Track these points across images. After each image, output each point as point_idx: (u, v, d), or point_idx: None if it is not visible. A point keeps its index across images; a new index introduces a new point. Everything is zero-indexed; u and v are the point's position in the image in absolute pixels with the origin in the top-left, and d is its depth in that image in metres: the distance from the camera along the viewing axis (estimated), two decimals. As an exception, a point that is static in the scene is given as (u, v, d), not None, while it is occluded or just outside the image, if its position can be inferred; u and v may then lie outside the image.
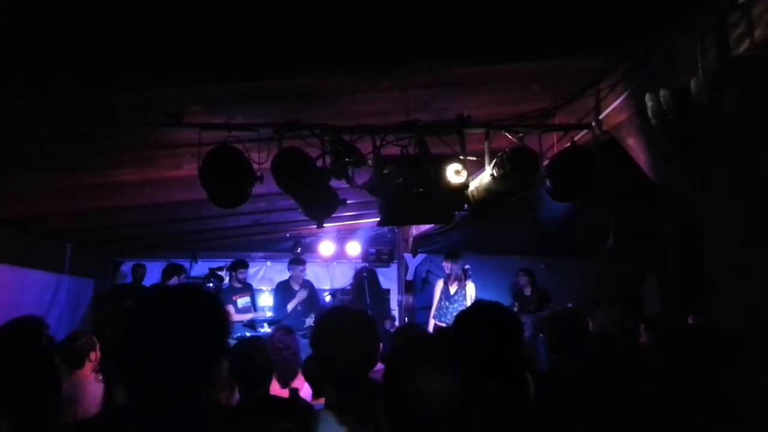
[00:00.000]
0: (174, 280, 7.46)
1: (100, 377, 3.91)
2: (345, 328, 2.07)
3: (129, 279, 8.36)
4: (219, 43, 2.98)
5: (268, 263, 9.56)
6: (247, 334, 7.36)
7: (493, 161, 4.21)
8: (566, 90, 4.34)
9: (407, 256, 9.51)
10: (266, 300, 8.95)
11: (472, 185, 4.50)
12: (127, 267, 8.62)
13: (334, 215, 4.83)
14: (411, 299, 9.59)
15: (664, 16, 3.21)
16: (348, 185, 4.20)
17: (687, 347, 2.09)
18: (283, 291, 8.06)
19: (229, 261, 8.79)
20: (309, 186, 4.00)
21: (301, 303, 7.87)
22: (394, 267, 9.86)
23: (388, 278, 9.87)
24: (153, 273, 8.13)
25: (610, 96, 4.05)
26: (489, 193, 4.41)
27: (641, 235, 8.38)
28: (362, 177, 4.25)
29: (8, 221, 5.54)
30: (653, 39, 3.42)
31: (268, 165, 3.85)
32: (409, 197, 4.15)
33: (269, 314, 8.36)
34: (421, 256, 9.48)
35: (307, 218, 4.95)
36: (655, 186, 4.03)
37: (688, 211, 3.74)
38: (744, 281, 3.11)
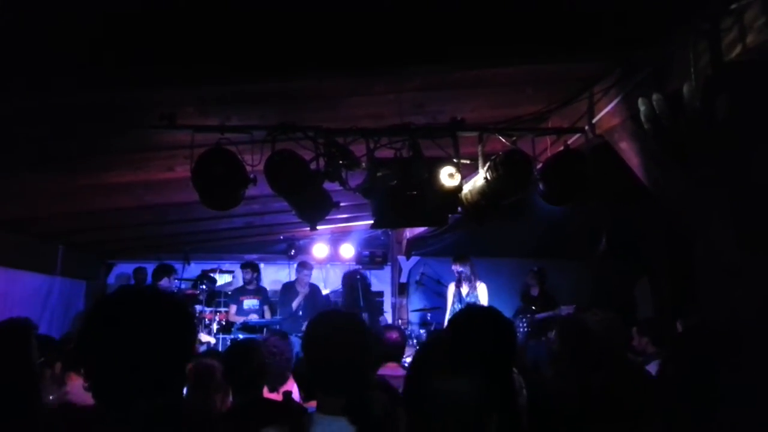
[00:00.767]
0: (164, 281, 7.42)
1: None
2: (337, 330, 2.07)
3: (131, 282, 8.31)
4: (215, 45, 2.97)
5: (262, 265, 9.54)
6: (240, 336, 7.34)
7: (487, 164, 4.22)
8: (560, 94, 4.36)
9: (401, 258, 9.51)
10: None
11: (466, 188, 4.50)
12: (125, 268, 8.59)
13: (327, 217, 4.83)
14: (404, 301, 9.59)
15: (657, 22, 3.22)
16: (341, 188, 4.19)
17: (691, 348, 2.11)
18: (288, 291, 8.12)
19: (222, 263, 8.78)
20: (302, 188, 4.00)
21: (304, 306, 7.87)
22: (387, 269, 9.86)
23: (382, 280, 9.87)
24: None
25: (604, 100, 4.06)
26: (482, 196, 4.42)
27: (634, 238, 8.41)
28: (356, 179, 4.25)
29: (0, 222, 5.51)
30: (646, 44, 3.43)
31: (261, 167, 3.84)
32: (402, 200, 4.15)
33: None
34: (414, 259, 9.47)
35: (300, 220, 4.95)
36: (648, 190, 4.04)
37: (680, 216, 3.75)
38: (734, 286, 3.12)
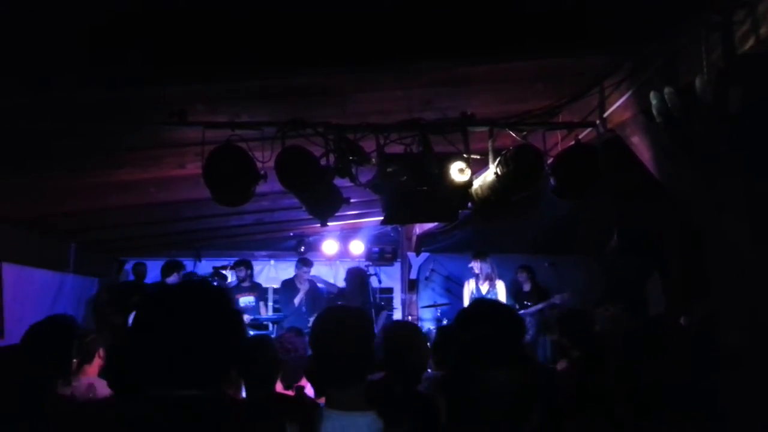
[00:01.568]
0: (173, 278, 7.44)
1: None
2: (342, 326, 2.08)
3: (131, 277, 8.36)
4: (224, 41, 2.98)
5: (272, 262, 9.57)
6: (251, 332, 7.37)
7: (497, 159, 4.21)
8: (570, 88, 4.33)
9: (411, 254, 9.50)
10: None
11: (476, 184, 4.49)
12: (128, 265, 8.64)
13: (337, 214, 4.84)
14: (414, 297, 9.59)
15: (669, 14, 3.20)
16: (351, 184, 4.20)
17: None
18: (289, 288, 8.15)
19: (233, 260, 8.80)
20: (312, 184, 4.00)
21: (305, 302, 7.89)
22: (397, 266, 9.86)
23: (392, 277, 9.87)
24: (156, 271, 8.12)
25: (615, 94, 4.04)
26: (493, 192, 4.41)
27: (645, 234, 8.36)
28: (366, 175, 4.25)
29: (13, 221, 5.56)
30: (658, 37, 3.41)
31: (271, 164, 3.85)
32: (412, 196, 4.15)
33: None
34: (424, 255, 9.46)
35: (310, 217, 4.95)
36: (660, 184, 4.02)
37: (692, 210, 3.73)
38: (747, 281, 3.10)
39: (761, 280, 3.02)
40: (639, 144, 3.99)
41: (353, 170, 4.09)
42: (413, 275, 9.49)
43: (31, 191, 4.96)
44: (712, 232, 3.39)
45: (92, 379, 3.82)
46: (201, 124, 3.81)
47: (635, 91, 3.85)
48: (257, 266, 9.04)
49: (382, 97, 4.12)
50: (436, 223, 7.86)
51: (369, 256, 9.44)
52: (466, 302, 7.78)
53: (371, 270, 9.04)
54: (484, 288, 7.61)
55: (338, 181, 4.24)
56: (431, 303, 9.14)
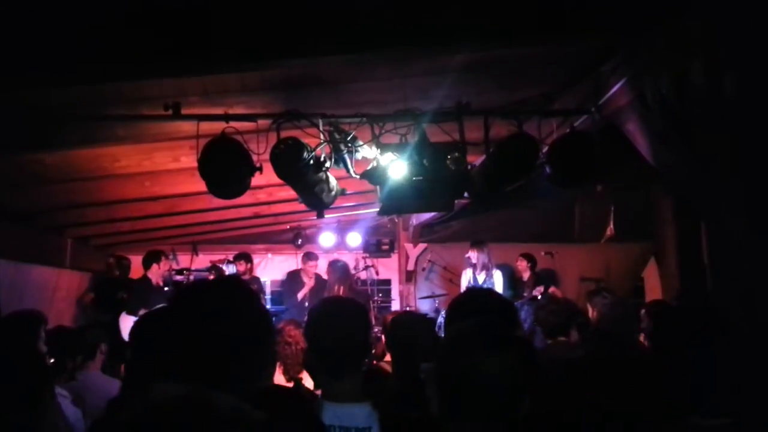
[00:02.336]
0: (154, 268, 7.39)
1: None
2: (337, 317, 2.08)
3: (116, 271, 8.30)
4: (215, 30, 2.96)
5: (269, 255, 9.56)
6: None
7: (493, 148, 4.20)
8: (565, 76, 4.32)
9: (408, 245, 9.50)
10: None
11: (472, 173, 4.48)
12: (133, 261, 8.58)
13: (334, 205, 4.83)
14: (412, 289, 9.60)
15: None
16: (347, 174, 4.19)
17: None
18: (294, 280, 8.12)
19: (230, 254, 8.79)
20: (308, 175, 3.99)
21: (309, 299, 7.87)
22: (394, 257, 9.86)
23: (389, 268, 9.88)
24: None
25: (610, 81, 4.03)
26: (489, 181, 4.40)
27: (641, 221, 8.38)
28: (361, 166, 4.24)
29: (7, 216, 5.54)
30: (652, 23, 3.39)
31: (267, 155, 3.84)
32: (408, 186, 4.14)
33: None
34: (422, 246, 9.47)
35: (307, 209, 4.95)
36: (655, 171, 4.02)
37: (687, 197, 3.73)
38: (743, 267, 3.10)
39: (758, 265, 3.02)
40: (634, 131, 3.98)
41: (349, 161, 4.08)
42: (411, 266, 9.50)
43: (23, 184, 4.94)
44: (708, 219, 3.40)
45: (95, 374, 3.82)
46: (195, 117, 3.80)
47: (631, 77, 3.84)
48: (255, 260, 9.03)
49: (377, 86, 4.11)
50: (433, 214, 7.86)
51: (366, 247, 9.44)
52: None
53: (368, 261, 9.05)
54: (481, 277, 7.59)
55: (334, 172, 4.22)
56: (429, 294, 9.15)
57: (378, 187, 4.35)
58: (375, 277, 9.23)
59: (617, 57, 3.88)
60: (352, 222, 9.40)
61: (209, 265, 8.56)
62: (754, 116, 3.02)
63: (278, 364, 3.73)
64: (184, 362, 1.48)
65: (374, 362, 4.50)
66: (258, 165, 3.88)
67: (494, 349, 1.55)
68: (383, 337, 4.18)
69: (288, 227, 9.31)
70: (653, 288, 8.76)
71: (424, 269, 9.41)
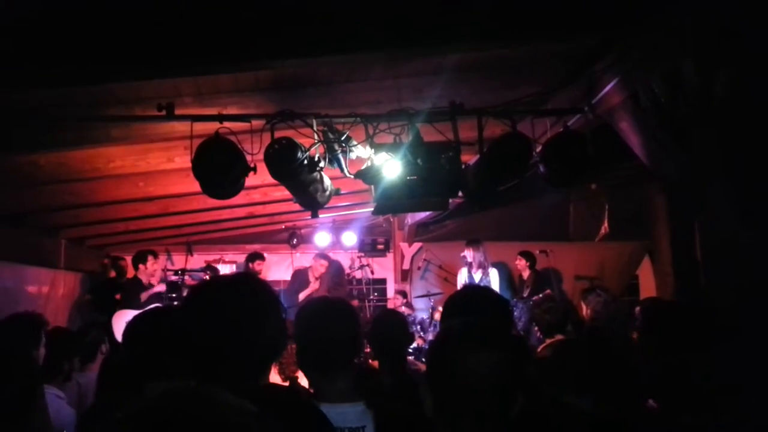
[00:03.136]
0: (141, 268, 7.40)
1: None
2: (325, 317, 2.08)
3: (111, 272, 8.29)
4: (208, 31, 2.96)
5: (265, 255, 9.56)
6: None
7: (486, 148, 4.21)
8: (559, 75, 4.34)
9: (403, 244, 9.52)
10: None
11: (466, 172, 4.49)
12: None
13: (328, 205, 4.83)
14: (408, 288, 9.61)
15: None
16: (342, 174, 4.19)
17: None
18: (299, 279, 8.09)
19: (225, 254, 8.79)
20: (303, 175, 3.99)
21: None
22: (390, 256, 9.88)
23: (385, 267, 9.89)
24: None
25: (603, 80, 4.04)
26: (483, 180, 4.41)
27: (635, 219, 8.41)
28: (356, 166, 4.25)
29: (1, 217, 5.52)
30: (644, 21, 3.41)
31: (261, 156, 3.84)
32: (403, 185, 4.15)
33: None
34: (417, 245, 9.48)
35: (302, 209, 4.95)
36: (649, 169, 4.04)
37: (680, 195, 3.75)
38: (736, 264, 3.12)
39: (751, 262, 3.04)
40: (628, 129, 4.00)
41: (343, 160, 4.09)
42: (406, 265, 9.51)
43: (18, 185, 4.93)
44: (701, 217, 3.42)
45: (96, 375, 3.81)
46: (189, 117, 3.80)
47: (624, 76, 3.85)
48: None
49: (371, 86, 4.11)
50: (428, 213, 7.87)
51: (362, 247, 9.45)
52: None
53: (363, 261, 9.06)
54: (477, 276, 7.60)
55: (329, 172, 4.23)
56: (424, 293, 9.16)
57: (372, 186, 4.36)
58: (370, 276, 9.24)
59: (610, 56, 3.89)
60: (347, 221, 9.41)
61: (204, 265, 8.57)
62: (746, 114, 3.04)
63: (273, 363, 3.73)
64: (194, 361, 1.49)
65: (369, 360, 4.51)
66: (252, 165, 3.88)
67: (484, 347, 1.52)
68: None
69: (283, 227, 9.31)
70: (647, 286, 8.80)
71: (419, 268, 9.43)
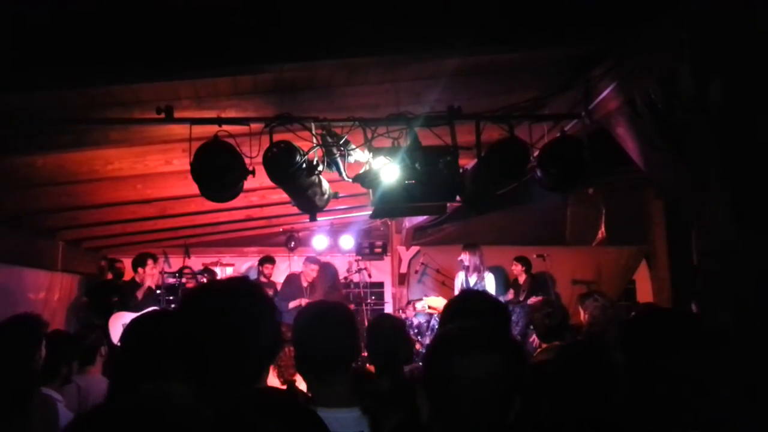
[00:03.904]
0: (140, 271, 7.39)
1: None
2: (324, 321, 2.08)
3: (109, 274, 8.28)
4: (208, 35, 2.98)
5: (275, 259, 9.55)
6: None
7: (484, 152, 4.22)
8: (556, 80, 4.36)
9: (400, 248, 9.53)
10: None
11: (464, 177, 4.51)
12: (126, 263, 8.56)
13: (326, 208, 4.84)
14: (405, 291, 9.61)
15: (651, 3, 3.23)
16: (340, 177, 4.20)
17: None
18: (291, 284, 8.07)
19: (222, 256, 8.78)
20: (301, 179, 4.00)
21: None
22: (387, 260, 9.88)
23: (382, 271, 9.89)
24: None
25: (600, 86, 4.07)
26: (480, 185, 4.42)
27: (632, 224, 8.44)
28: (354, 169, 4.26)
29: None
30: (641, 27, 3.43)
31: (259, 159, 3.85)
32: (401, 189, 4.15)
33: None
34: (414, 249, 9.49)
35: (300, 212, 4.95)
36: (645, 175, 4.06)
37: (677, 200, 3.76)
38: (733, 269, 3.14)
39: (747, 267, 3.05)
40: (624, 135, 4.02)
41: (341, 164, 4.10)
42: (403, 269, 9.52)
43: (15, 187, 4.93)
44: (697, 221, 3.43)
45: (96, 378, 3.82)
46: (188, 120, 3.80)
47: (620, 82, 3.87)
48: (247, 262, 9.03)
49: (369, 90, 4.13)
50: (425, 217, 7.87)
51: (359, 250, 9.46)
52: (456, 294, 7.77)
53: (361, 264, 9.06)
54: (473, 280, 7.62)
55: (327, 175, 4.24)
56: (422, 296, 9.16)
57: (370, 190, 4.37)
58: (368, 279, 9.24)
59: (607, 62, 3.92)
60: (345, 225, 9.42)
61: (201, 267, 8.57)
62: (741, 120, 3.06)
63: (272, 366, 3.74)
64: (190, 364, 1.49)
65: (366, 365, 4.52)
66: (251, 168, 3.89)
67: (480, 351, 1.50)
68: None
69: (281, 230, 9.31)
70: (644, 290, 8.82)
71: (416, 272, 9.43)
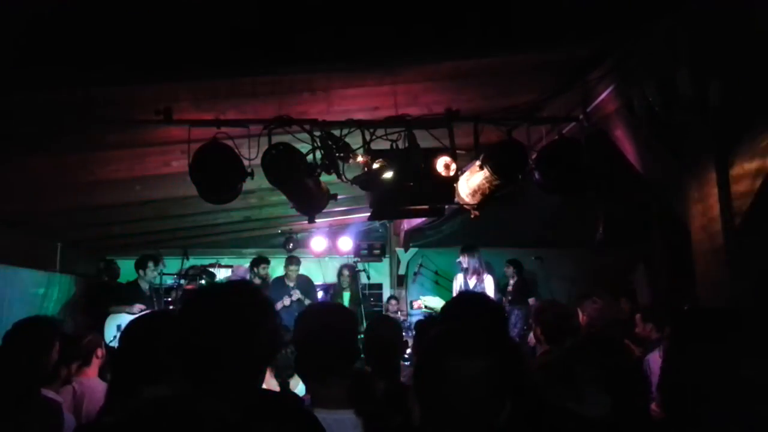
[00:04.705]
0: (141, 273, 7.40)
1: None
2: (324, 322, 2.09)
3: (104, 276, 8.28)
4: (206, 37, 2.98)
5: (269, 259, 9.55)
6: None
7: (482, 154, 4.23)
8: (554, 83, 4.37)
9: (399, 250, 9.53)
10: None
11: (462, 179, 4.51)
12: (124, 265, 8.54)
13: (325, 210, 4.84)
14: (403, 293, 9.62)
15: (650, 5, 3.23)
16: (338, 180, 4.21)
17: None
18: (276, 287, 8.07)
19: (220, 258, 8.78)
20: (299, 181, 4.01)
21: (297, 303, 7.83)
22: (386, 261, 9.89)
23: (381, 273, 9.90)
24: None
25: (598, 88, 4.08)
26: (478, 187, 4.43)
27: (631, 226, 8.44)
28: (352, 172, 4.26)
29: (-2, 220, 5.52)
30: (638, 30, 3.44)
31: (258, 161, 3.85)
32: (399, 191, 4.16)
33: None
34: (413, 250, 9.50)
35: (298, 214, 4.95)
36: (643, 177, 4.06)
37: (675, 202, 3.77)
38: (730, 271, 3.15)
39: (744, 269, 3.06)
40: (622, 138, 4.03)
41: (340, 166, 4.10)
42: (402, 271, 9.53)
43: (14, 189, 4.92)
44: (695, 224, 3.44)
45: (92, 380, 3.81)
46: (187, 122, 3.80)
47: (618, 85, 3.89)
48: (245, 264, 9.00)
49: (368, 93, 4.13)
50: (423, 219, 7.89)
51: (357, 252, 9.46)
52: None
53: (359, 266, 9.07)
54: (472, 282, 7.63)
55: (325, 177, 4.24)
56: (420, 298, 9.18)
57: (369, 192, 4.37)
58: (366, 281, 9.25)
59: (605, 65, 3.93)
60: (344, 226, 9.42)
61: (200, 269, 8.56)
62: (739, 123, 3.07)
63: (269, 368, 3.73)
64: (189, 366, 1.49)
65: (365, 367, 4.52)
66: (249, 170, 3.89)
67: (468, 354, 1.49)
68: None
69: (279, 231, 9.31)
70: (642, 293, 8.82)
71: (415, 273, 9.44)
